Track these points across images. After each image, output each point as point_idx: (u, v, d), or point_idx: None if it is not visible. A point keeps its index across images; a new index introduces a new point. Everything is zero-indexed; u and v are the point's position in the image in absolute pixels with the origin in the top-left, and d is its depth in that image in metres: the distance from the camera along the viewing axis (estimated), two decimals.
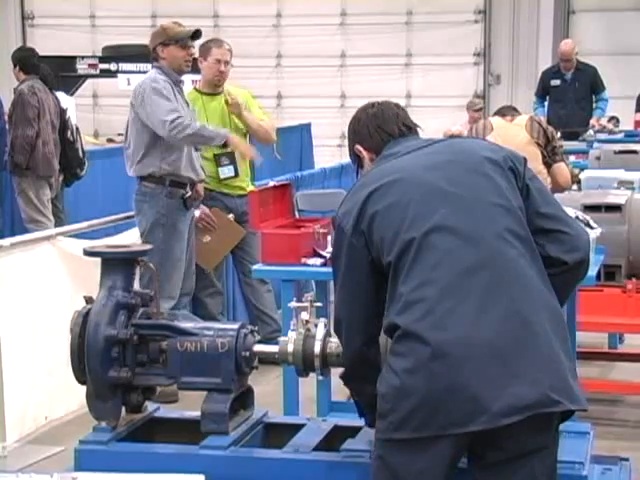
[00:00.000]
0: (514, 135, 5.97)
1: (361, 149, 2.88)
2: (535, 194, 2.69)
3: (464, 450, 2.53)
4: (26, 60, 7.68)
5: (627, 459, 3.03)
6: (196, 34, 5.74)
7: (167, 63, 5.61)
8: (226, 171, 6.11)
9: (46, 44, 14.21)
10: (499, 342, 2.44)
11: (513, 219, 2.59)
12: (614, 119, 10.87)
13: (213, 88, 6.22)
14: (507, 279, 2.51)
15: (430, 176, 2.64)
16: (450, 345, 2.44)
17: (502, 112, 6.28)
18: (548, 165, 5.98)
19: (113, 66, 13.89)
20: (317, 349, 2.96)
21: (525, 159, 2.76)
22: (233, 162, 6.12)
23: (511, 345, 2.45)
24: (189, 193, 5.62)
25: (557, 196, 5.75)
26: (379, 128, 2.84)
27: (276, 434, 3.11)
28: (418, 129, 2.89)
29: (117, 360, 2.98)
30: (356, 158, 2.92)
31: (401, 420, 2.49)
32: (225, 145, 5.88)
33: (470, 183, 2.63)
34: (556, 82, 10.55)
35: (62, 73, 12.37)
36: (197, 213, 5.89)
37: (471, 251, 2.52)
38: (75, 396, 4.97)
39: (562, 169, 6.01)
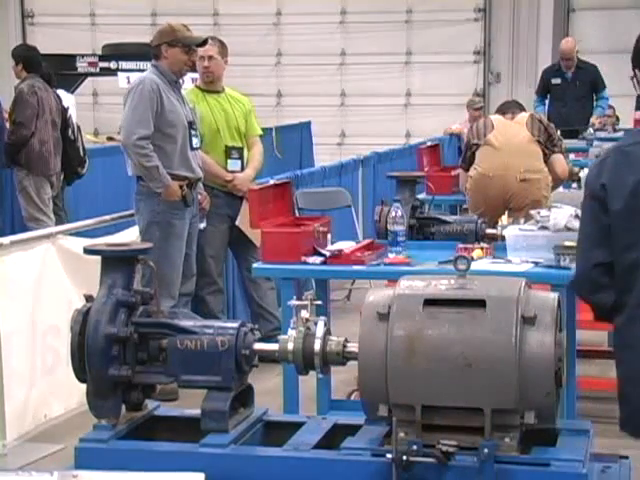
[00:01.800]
0: (515, 134, 5.97)
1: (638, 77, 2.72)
2: None
3: None
4: (31, 59, 7.69)
5: (627, 457, 3.03)
6: (203, 43, 5.78)
7: (167, 63, 5.62)
8: (233, 164, 6.17)
9: (46, 42, 14.22)
10: None
11: None
12: (614, 117, 10.89)
13: (208, 85, 6.25)
14: None
15: None
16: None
17: (503, 110, 6.28)
18: (548, 158, 5.98)
19: (113, 64, 13.91)
20: (317, 347, 2.96)
21: None
22: (241, 157, 6.22)
23: None
24: (185, 191, 5.62)
25: (558, 194, 5.80)
26: None
27: (276, 432, 3.11)
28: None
29: (117, 358, 2.98)
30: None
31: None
32: (235, 148, 5.99)
33: None
34: (557, 80, 10.56)
35: (62, 71, 12.39)
36: (202, 226, 5.91)
37: None
38: (75, 394, 4.98)
39: (560, 159, 6.02)
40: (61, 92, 8.14)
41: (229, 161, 6.16)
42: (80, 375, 3.03)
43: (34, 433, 5.05)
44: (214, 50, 6.16)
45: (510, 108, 6.26)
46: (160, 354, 3.03)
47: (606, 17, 14.58)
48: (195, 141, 5.73)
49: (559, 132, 7.62)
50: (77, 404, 5.06)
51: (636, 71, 2.79)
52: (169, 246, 5.56)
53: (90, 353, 2.96)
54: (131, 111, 5.51)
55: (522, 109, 6.26)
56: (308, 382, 4.35)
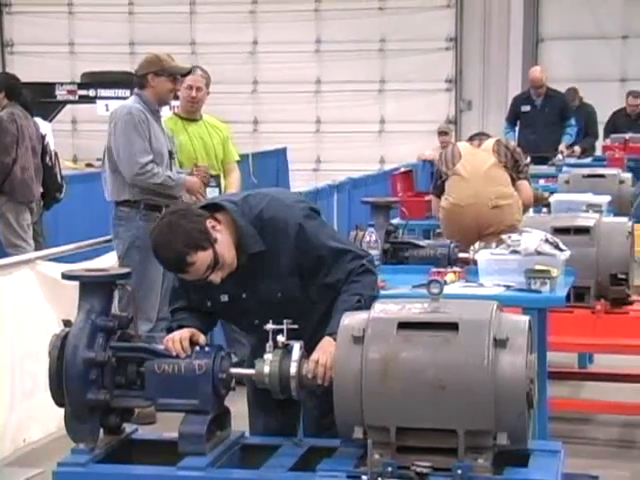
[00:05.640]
0: (482, 162, 5.99)
1: None
2: None
3: None
4: (13, 87, 7.66)
5: (597, 477, 3.04)
6: (189, 72, 5.83)
7: (153, 92, 5.60)
8: (212, 192, 6.15)
9: (26, 71, 14.15)
10: None
11: None
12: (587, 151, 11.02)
13: (189, 114, 6.24)
14: None
15: None
16: None
17: (471, 138, 6.31)
18: (514, 183, 6.00)
19: (92, 92, 13.91)
20: (293, 370, 2.96)
21: None
22: (219, 185, 6.20)
23: None
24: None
25: (528, 218, 5.82)
26: None
27: (253, 455, 3.10)
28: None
29: (95, 382, 2.97)
30: None
31: None
32: (213, 176, 5.99)
33: None
34: (526, 108, 10.64)
35: (42, 99, 12.36)
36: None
37: None
38: (54, 418, 4.93)
39: (524, 187, 6.04)
40: (38, 120, 8.11)
41: (208, 190, 6.13)
42: (58, 399, 3.01)
43: (13, 457, 4.99)
44: (203, 82, 6.19)
45: (478, 136, 6.29)
46: (138, 378, 3.02)
47: (573, 47, 14.73)
48: (174, 170, 5.73)
49: (529, 158, 7.68)
50: (56, 428, 5.01)
51: None
52: (148, 270, 5.53)
53: (68, 377, 2.95)
54: (127, 146, 5.47)
55: (489, 137, 6.28)
56: None
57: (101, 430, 3.05)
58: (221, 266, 3.11)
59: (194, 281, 3.15)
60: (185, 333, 3.06)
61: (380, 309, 2.90)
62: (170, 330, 3.15)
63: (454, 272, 4.65)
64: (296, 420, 3.46)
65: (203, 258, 3.06)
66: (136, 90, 5.71)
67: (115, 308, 3.18)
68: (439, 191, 6.14)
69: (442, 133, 11.26)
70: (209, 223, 3.11)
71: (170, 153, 5.69)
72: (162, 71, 5.59)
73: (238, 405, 3.42)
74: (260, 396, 3.26)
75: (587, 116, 11.49)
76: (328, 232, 3.28)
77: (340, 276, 3.18)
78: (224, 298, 3.24)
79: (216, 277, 3.12)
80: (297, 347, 2.99)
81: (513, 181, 5.98)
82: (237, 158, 6.47)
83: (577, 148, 10.73)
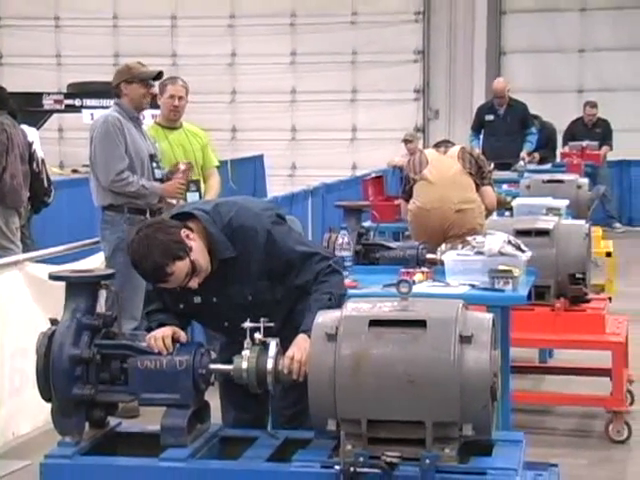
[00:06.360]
0: (448, 167, 6.01)
1: None
2: None
3: None
4: (1, 97, 7.61)
5: (556, 465, 3.06)
6: (158, 75, 5.79)
7: (128, 99, 5.61)
8: (192, 196, 6.14)
9: (14, 81, 14.09)
10: None
11: None
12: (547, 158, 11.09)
13: (170, 122, 6.23)
14: None
15: None
16: None
17: (437, 144, 6.33)
18: (478, 189, 6.02)
19: (77, 102, 13.85)
20: (270, 366, 2.96)
21: None
22: (199, 189, 6.18)
23: None
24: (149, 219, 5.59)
25: (491, 221, 5.84)
26: None
27: (231, 446, 3.10)
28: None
29: (81, 378, 2.96)
30: None
31: None
32: (193, 181, 5.96)
33: None
34: (490, 117, 10.70)
35: (30, 108, 12.28)
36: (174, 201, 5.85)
37: None
38: (41, 413, 4.90)
39: (488, 192, 6.05)
40: (25, 127, 8.06)
41: (188, 194, 6.12)
42: (45, 394, 2.99)
43: (2, 450, 4.96)
44: (184, 91, 6.19)
45: (443, 143, 6.31)
46: (121, 374, 3.01)
47: (533, 59, 14.82)
48: (157, 172, 5.72)
49: (492, 165, 7.71)
50: (43, 422, 4.98)
51: None
52: (133, 271, 5.50)
53: (55, 373, 2.93)
54: (103, 154, 5.46)
55: (453, 144, 6.30)
56: None
57: (86, 424, 3.04)
58: (198, 272, 3.11)
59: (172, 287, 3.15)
60: (167, 331, 3.06)
61: (352, 307, 2.90)
62: (150, 329, 3.14)
63: (422, 272, 4.66)
64: (265, 413, 3.47)
65: (181, 267, 3.06)
66: (115, 100, 5.72)
67: (102, 307, 3.18)
68: (408, 195, 6.15)
69: (406, 141, 11.33)
70: (183, 233, 3.11)
71: (153, 156, 5.69)
72: (132, 78, 5.60)
73: (217, 399, 3.42)
74: (231, 391, 3.28)
75: (548, 133, 11.58)
76: (295, 237, 3.29)
77: (309, 277, 3.19)
78: (197, 299, 3.24)
79: (194, 283, 3.13)
80: (273, 344, 2.99)
81: (477, 187, 6.00)
82: (216, 163, 6.46)
83: (536, 155, 10.81)
